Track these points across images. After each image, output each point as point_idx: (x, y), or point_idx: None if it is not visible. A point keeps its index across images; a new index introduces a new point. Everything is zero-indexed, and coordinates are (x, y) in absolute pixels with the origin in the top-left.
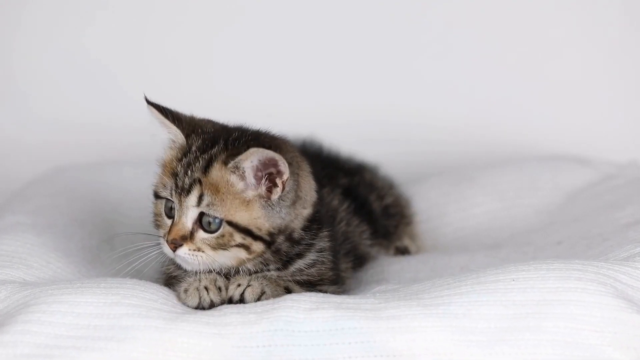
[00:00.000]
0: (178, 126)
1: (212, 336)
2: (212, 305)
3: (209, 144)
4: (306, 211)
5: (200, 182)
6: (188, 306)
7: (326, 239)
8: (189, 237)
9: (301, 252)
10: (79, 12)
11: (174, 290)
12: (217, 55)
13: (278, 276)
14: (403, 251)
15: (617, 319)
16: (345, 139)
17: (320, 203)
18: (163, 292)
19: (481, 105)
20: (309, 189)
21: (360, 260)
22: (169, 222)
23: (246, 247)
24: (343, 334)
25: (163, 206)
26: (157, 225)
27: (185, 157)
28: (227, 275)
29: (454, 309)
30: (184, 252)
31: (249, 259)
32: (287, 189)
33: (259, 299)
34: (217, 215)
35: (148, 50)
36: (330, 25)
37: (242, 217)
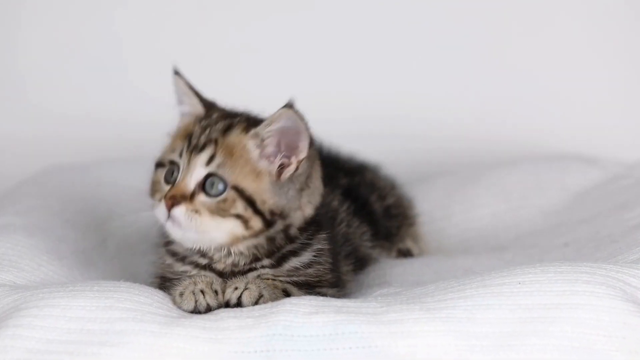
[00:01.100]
0: (200, 99)
1: (208, 341)
2: (208, 309)
3: (229, 115)
4: (307, 210)
5: (216, 142)
6: (184, 310)
7: (324, 241)
8: (189, 197)
9: (296, 250)
10: (74, 8)
11: (169, 294)
12: (216, 50)
13: (275, 276)
14: (405, 253)
15: (626, 323)
16: (346, 137)
17: (321, 207)
18: (158, 296)
19: (486, 103)
20: (318, 185)
21: (361, 263)
22: (167, 187)
23: (245, 221)
24: (344, 339)
25: (163, 174)
26: (154, 191)
27: (205, 120)
28: (222, 274)
29: (457, 313)
30: (180, 211)
31: (244, 237)
32: (300, 171)
33: (256, 303)
34: (226, 177)
35: (145, 46)
36: (330, 18)
37: (250, 185)
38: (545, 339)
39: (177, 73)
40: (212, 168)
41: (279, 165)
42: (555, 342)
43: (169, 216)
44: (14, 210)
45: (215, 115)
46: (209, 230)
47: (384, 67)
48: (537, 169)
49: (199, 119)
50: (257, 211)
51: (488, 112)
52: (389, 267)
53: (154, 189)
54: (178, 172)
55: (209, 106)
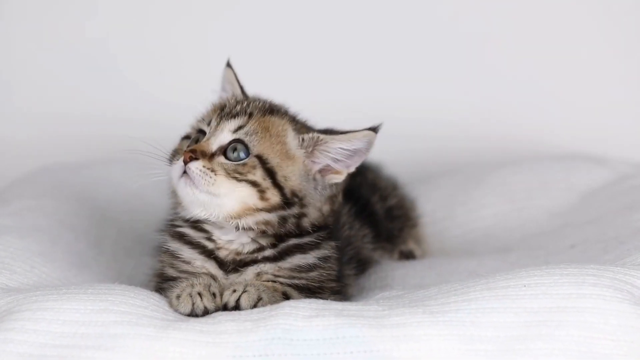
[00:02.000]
0: (242, 90)
1: (206, 345)
2: (206, 312)
3: (267, 101)
4: (325, 209)
5: (250, 115)
6: (180, 313)
7: (332, 250)
8: (208, 156)
9: (303, 246)
10: (66, 8)
11: (166, 296)
12: (218, 48)
13: (275, 276)
14: (408, 255)
15: (634, 327)
16: None
17: (333, 217)
18: (154, 299)
19: (489, 102)
20: (340, 196)
21: (362, 266)
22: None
23: (261, 191)
24: (344, 343)
25: (187, 144)
26: (173, 157)
27: (241, 98)
28: (223, 265)
29: (461, 316)
30: (196, 166)
31: (256, 209)
32: (339, 182)
33: (255, 306)
34: (252, 146)
35: (140, 45)
36: (331, 18)
37: (275, 159)
38: (551, 343)
39: (229, 65)
40: (239, 135)
41: (320, 169)
42: (562, 346)
43: (184, 172)
44: (6, 211)
45: (253, 99)
46: (221, 193)
47: (386, 66)
48: (542, 168)
49: (236, 97)
50: (276, 184)
51: (492, 111)
52: (390, 270)
53: (173, 155)
54: (207, 133)
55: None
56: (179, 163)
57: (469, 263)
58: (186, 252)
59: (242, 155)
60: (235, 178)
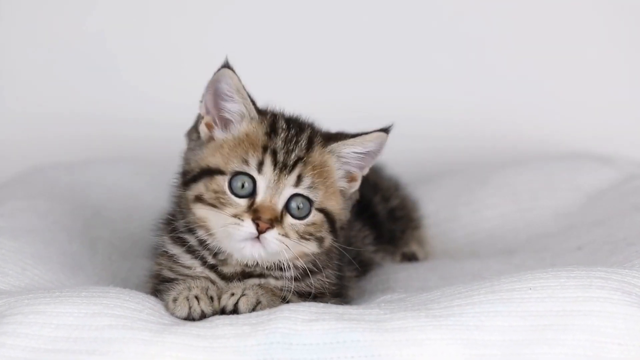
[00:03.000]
0: (252, 101)
1: (203, 350)
2: (203, 316)
3: (292, 124)
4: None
5: (304, 161)
6: (177, 317)
7: (337, 260)
8: (279, 219)
9: (322, 267)
10: (59, 7)
11: (162, 299)
12: (217, 47)
13: (275, 286)
14: (410, 257)
15: None
16: None
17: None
18: (149, 302)
19: (494, 101)
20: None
21: (363, 268)
22: (240, 201)
23: (321, 240)
24: (345, 347)
25: (226, 183)
26: (218, 203)
27: (282, 132)
28: (225, 277)
29: (465, 320)
30: (273, 235)
31: (313, 254)
32: (356, 187)
33: (254, 310)
34: (317, 199)
35: (132, 44)
36: (331, 17)
37: (334, 205)
38: (558, 348)
39: (229, 67)
40: (301, 189)
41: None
42: (568, 351)
43: (257, 237)
44: None
45: (284, 125)
46: (285, 250)
47: (387, 66)
48: (547, 168)
49: (268, 127)
50: (333, 229)
51: (496, 110)
52: (392, 272)
53: (218, 200)
54: (252, 186)
55: (260, 110)
56: (249, 229)
57: (473, 265)
58: (187, 260)
59: (304, 208)
60: (305, 238)
